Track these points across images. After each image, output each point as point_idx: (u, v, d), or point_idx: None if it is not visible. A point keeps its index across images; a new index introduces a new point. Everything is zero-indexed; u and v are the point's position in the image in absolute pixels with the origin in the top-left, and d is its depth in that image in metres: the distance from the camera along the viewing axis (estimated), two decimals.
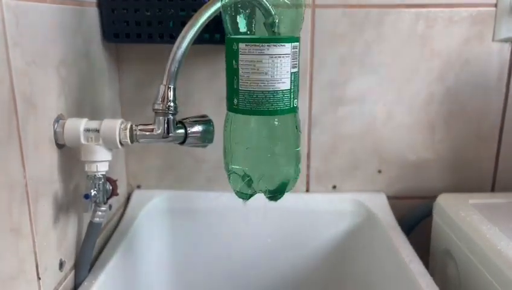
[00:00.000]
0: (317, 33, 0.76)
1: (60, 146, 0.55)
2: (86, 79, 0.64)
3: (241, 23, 0.52)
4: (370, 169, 0.83)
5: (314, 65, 0.78)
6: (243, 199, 0.55)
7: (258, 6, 0.64)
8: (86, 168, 0.54)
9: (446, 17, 0.75)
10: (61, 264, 0.55)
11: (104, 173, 0.55)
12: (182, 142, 0.57)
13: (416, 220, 0.82)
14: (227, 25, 0.52)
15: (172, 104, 0.53)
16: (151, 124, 0.54)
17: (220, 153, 0.82)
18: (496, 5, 0.75)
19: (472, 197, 0.73)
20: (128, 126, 0.54)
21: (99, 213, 0.58)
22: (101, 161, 0.54)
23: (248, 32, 0.52)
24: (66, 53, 0.57)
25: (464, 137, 0.81)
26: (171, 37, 0.69)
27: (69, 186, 0.57)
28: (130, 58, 0.78)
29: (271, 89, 0.49)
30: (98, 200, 0.55)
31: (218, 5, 0.55)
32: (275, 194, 0.55)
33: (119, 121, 0.54)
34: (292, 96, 0.51)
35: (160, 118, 0.54)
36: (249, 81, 0.49)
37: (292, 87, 0.50)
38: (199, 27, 0.54)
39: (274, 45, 0.49)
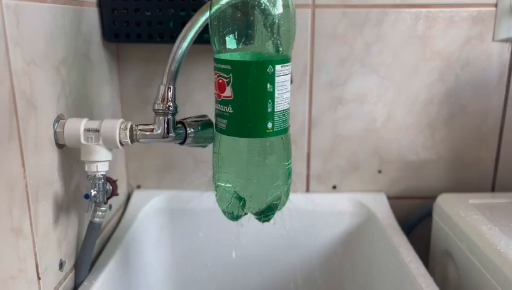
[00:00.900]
0: (317, 33, 0.76)
1: (60, 146, 0.55)
2: (86, 79, 0.64)
3: (231, 41, 0.50)
4: (370, 169, 0.83)
5: (314, 65, 0.78)
6: (231, 219, 0.55)
7: (257, 7, 0.64)
8: (86, 168, 0.54)
9: (446, 17, 0.75)
10: (61, 264, 0.55)
11: (104, 173, 0.55)
12: (182, 142, 0.57)
13: (416, 220, 0.82)
14: (218, 45, 0.50)
15: (172, 104, 0.53)
16: (151, 124, 0.54)
17: None
18: (496, 5, 0.75)
19: (472, 197, 0.73)
20: (128, 126, 0.54)
21: (99, 213, 0.58)
22: (101, 161, 0.54)
23: (241, 46, 0.51)
24: (66, 53, 0.57)
25: (464, 137, 0.81)
26: (171, 37, 0.69)
27: (69, 186, 0.57)
28: (130, 58, 0.78)
29: (289, 105, 0.50)
30: (98, 200, 0.55)
31: (218, 5, 0.55)
32: (266, 216, 0.55)
33: (119, 121, 0.54)
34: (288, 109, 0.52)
35: (160, 118, 0.54)
36: (282, 101, 0.49)
37: None
38: (199, 27, 0.54)
39: (290, 64, 0.50)
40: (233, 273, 0.84)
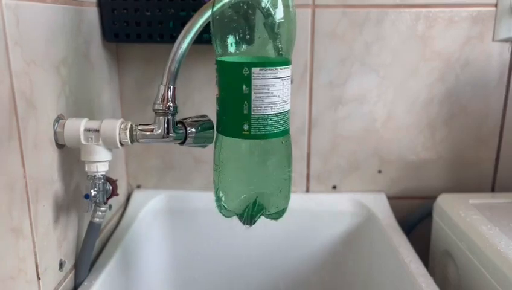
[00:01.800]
0: (317, 33, 0.76)
1: (60, 146, 0.55)
2: (86, 79, 0.64)
3: (242, 45, 0.51)
4: (370, 169, 0.83)
5: (314, 65, 0.78)
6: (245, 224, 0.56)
7: (257, 7, 0.64)
8: (86, 168, 0.54)
9: (446, 17, 0.75)
10: (61, 264, 0.55)
11: (104, 173, 0.55)
12: (182, 142, 0.57)
13: (416, 220, 0.82)
14: (228, 47, 0.50)
15: (172, 104, 0.53)
16: (151, 124, 0.54)
17: None
18: (496, 5, 0.75)
19: (472, 197, 0.73)
20: (128, 126, 0.54)
21: (99, 213, 0.58)
22: (101, 161, 0.54)
23: (249, 52, 0.51)
24: (66, 53, 0.57)
25: (464, 137, 0.81)
26: (171, 37, 0.69)
27: (69, 186, 0.57)
28: (130, 58, 0.78)
29: (281, 111, 0.49)
30: (98, 200, 0.55)
31: (219, 5, 0.55)
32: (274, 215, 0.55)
33: (119, 121, 0.54)
34: (288, 115, 0.51)
35: (160, 118, 0.54)
36: (262, 105, 0.48)
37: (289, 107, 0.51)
38: (199, 27, 0.54)
39: (283, 68, 0.49)
40: (233, 273, 0.84)
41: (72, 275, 0.59)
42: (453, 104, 0.79)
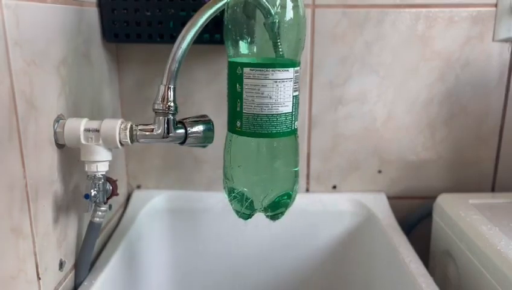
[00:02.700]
0: (317, 33, 0.76)
1: (60, 146, 0.55)
2: (86, 79, 0.64)
3: (243, 46, 0.52)
4: (370, 169, 0.83)
5: (314, 65, 0.78)
6: (243, 219, 0.56)
7: (258, 7, 0.64)
8: (86, 168, 0.54)
9: (446, 17, 0.75)
10: (61, 264, 0.55)
11: (104, 173, 0.55)
12: (182, 142, 0.57)
13: (416, 220, 0.82)
14: (229, 47, 0.52)
15: (172, 104, 0.53)
16: (151, 124, 0.54)
17: (219, 153, 0.82)
18: (496, 5, 0.75)
19: (472, 197, 0.73)
20: (128, 126, 0.54)
21: (99, 213, 0.58)
22: (101, 161, 0.54)
23: (249, 53, 0.52)
24: (66, 53, 0.57)
25: (464, 137, 0.81)
26: (171, 37, 0.69)
27: (69, 186, 0.57)
28: (130, 58, 0.78)
29: (274, 112, 0.50)
30: (98, 200, 0.55)
31: (219, 5, 0.55)
32: (275, 213, 0.55)
33: (119, 121, 0.54)
34: (293, 119, 0.51)
35: (160, 118, 0.54)
36: (253, 105, 0.49)
37: (293, 110, 0.51)
38: (199, 27, 0.54)
39: (278, 70, 0.49)
40: (233, 273, 0.84)
41: (72, 275, 0.59)
42: (453, 104, 0.79)
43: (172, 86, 0.53)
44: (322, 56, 0.77)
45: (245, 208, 0.54)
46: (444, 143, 0.81)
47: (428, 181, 0.83)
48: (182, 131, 0.56)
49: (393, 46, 0.77)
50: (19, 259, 0.46)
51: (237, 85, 0.49)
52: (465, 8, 0.75)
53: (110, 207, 0.73)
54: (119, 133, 0.53)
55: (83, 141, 0.53)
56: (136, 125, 0.55)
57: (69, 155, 0.57)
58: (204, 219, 0.82)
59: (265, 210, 0.55)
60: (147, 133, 0.54)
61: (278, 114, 0.50)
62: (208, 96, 0.79)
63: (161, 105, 0.53)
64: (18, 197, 0.46)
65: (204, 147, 0.60)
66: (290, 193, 0.54)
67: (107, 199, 0.57)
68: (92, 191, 0.54)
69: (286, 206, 0.55)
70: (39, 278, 0.50)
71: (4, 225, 0.44)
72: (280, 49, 0.66)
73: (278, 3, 0.51)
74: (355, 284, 0.81)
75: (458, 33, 0.76)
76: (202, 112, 0.62)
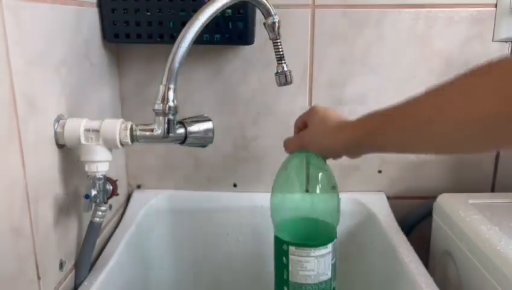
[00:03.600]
0: (317, 33, 0.76)
1: (60, 146, 0.55)
2: (86, 79, 0.64)
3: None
4: (370, 169, 0.83)
5: (314, 65, 0.78)
6: None
7: (258, 7, 0.64)
8: (86, 168, 0.54)
9: (446, 17, 0.75)
10: (61, 264, 0.55)
11: (104, 173, 0.55)
12: (182, 142, 0.57)
13: (416, 220, 0.82)
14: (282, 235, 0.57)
15: (172, 104, 0.53)
16: (151, 124, 0.54)
17: (219, 153, 0.82)
18: (496, 5, 0.75)
19: (472, 197, 0.73)
20: (129, 126, 0.54)
21: (100, 213, 0.58)
22: (101, 161, 0.54)
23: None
24: (66, 53, 0.57)
25: None
26: (171, 37, 0.69)
27: (69, 186, 0.57)
28: (130, 58, 0.78)
29: (316, 281, 0.54)
30: (98, 200, 0.55)
31: (219, 5, 0.55)
32: None
33: (119, 121, 0.54)
34: (332, 282, 0.56)
35: (160, 118, 0.54)
36: (297, 276, 0.54)
37: (332, 275, 0.56)
38: (199, 27, 0.54)
39: (319, 248, 0.54)
40: (233, 272, 0.84)
41: (72, 275, 0.59)
42: None
43: (172, 86, 0.53)
44: (322, 56, 0.77)
45: None
46: None
47: (428, 181, 0.83)
48: (182, 131, 0.56)
49: (393, 46, 0.77)
50: (19, 259, 0.46)
51: (283, 258, 0.55)
52: (465, 8, 0.75)
53: (110, 207, 0.73)
54: (120, 133, 0.53)
55: (83, 141, 0.53)
56: (136, 126, 0.55)
57: (69, 155, 0.57)
58: (204, 219, 0.82)
59: None
60: (147, 133, 0.54)
61: (319, 282, 0.55)
62: (208, 96, 0.79)
63: (161, 105, 0.53)
64: (18, 197, 0.46)
65: (204, 147, 0.60)
66: None
67: (107, 199, 0.57)
68: (92, 191, 0.54)
69: None
70: (39, 278, 0.50)
71: (4, 224, 0.44)
72: (280, 50, 0.66)
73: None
74: (355, 284, 0.81)
75: (458, 33, 0.76)
76: (202, 112, 0.62)
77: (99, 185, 0.55)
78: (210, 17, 0.54)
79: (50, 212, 0.53)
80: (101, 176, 0.55)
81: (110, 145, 0.54)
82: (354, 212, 0.81)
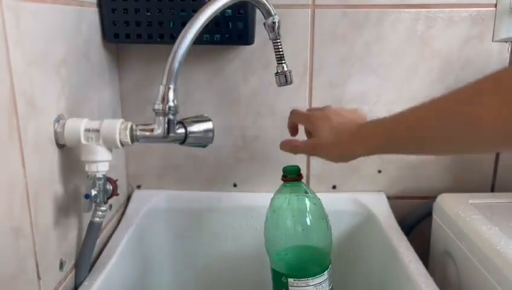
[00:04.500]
0: (317, 33, 0.76)
1: (60, 146, 0.55)
2: (86, 79, 0.64)
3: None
4: (370, 169, 0.83)
5: (314, 65, 0.78)
6: None
7: (258, 7, 0.64)
8: (86, 168, 0.54)
9: (446, 17, 0.75)
10: (61, 264, 0.56)
11: (104, 173, 0.55)
12: (182, 142, 0.57)
13: (416, 220, 0.82)
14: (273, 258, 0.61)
15: (172, 104, 0.53)
16: (151, 124, 0.54)
17: (220, 153, 0.82)
18: (495, 5, 0.75)
19: (472, 197, 0.73)
20: (129, 126, 0.54)
21: (100, 213, 0.58)
22: (101, 160, 0.54)
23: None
24: (66, 53, 0.57)
25: None
26: (171, 37, 0.69)
27: (69, 186, 0.57)
28: (130, 58, 0.78)
29: None
30: (98, 200, 0.55)
31: (219, 5, 0.55)
32: None
33: (119, 121, 0.54)
34: None
35: (160, 118, 0.54)
36: None
37: None
38: (199, 27, 0.54)
39: (317, 277, 0.57)
40: (233, 272, 0.84)
41: (72, 274, 0.59)
42: None
43: (172, 86, 0.53)
44: (322, 56, 0.77)
45: None
46: None
47: (428, 181, 0.83)
48: (182, 131, 0.56)
49: (393, 46, 0.77)
50: (19, 259, 0.46)
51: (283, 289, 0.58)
52: (465, 8, 0.75)
53: (110, 207, 0.73)
54: (120, 133, 0.53)
55: (83, 141, 0.53)
56: (136, 126, 0.55)
57: (70, 155, 0.57)
58: (204, 219, 0.82)
59: None
60: (147, 133, 0.54)
61: None
62: (208, 96, 0.79)
63: (161, 105, 0.53)
64: (18, 197, 0.46)
65: (204, 147, 0.60)
66: None
67: (107, 199, 0.57)
68: (92, 191, 0.54)
69: None
70: (39, 278, 0.50)
71: (4, 224, 0.44)
72: (280, 50, 0.67)
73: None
74: (355, 284, 0.81)
75: (458, 33, 0.76)
76: (202, 112, 0.62)
77: (99, 185, 0.55)
78: (210, 17, 0.54)
79: (50, 212, 0.53)
80: (101, 176, 0.55)
81: (110, 145, 0.54)
82: (354, 213, 0.81)
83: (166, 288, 0.83)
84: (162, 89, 0.53)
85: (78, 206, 0.60)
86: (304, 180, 0.83)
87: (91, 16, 0.66)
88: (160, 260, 0.82)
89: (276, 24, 0.64)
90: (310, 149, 0.60)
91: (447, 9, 0.75)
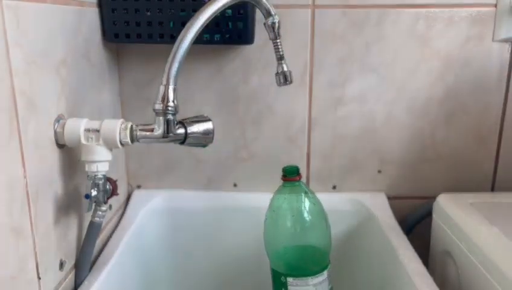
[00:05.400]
0: (317, 33, 0.76)
1: (60, 146, 0.55)
2: (86, 79, 0.64)
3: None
4: (370, 169, 0.83)
5: (314, 65, 0.78)
6: None
7: (258, 7, 0.64)
8: (86, 168, 0.54)
9: (446, 17, 0.75)
10: (61, 264, 0.56)
11: (104, 173, 0.55)
12: (182, 142, 0.57)
13: (416, 220, 0.82)
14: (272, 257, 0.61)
15: (172, 104, 0.53)
16: (151, 124, 0.54)
17: (220, 153, 0.82)
18: (495, 5, 0.75)
19: (472, 197, 0.73)
20: (129, 126, 0.54)
21: (100, 213, 0.58)
22: (101, 160, 0.54)
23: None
24: (66, 53, 0.57)
25: (463, 137, 0.81)
26: (171, 37, 0.69)
27: (69, 186, 0.57)
28: (130, 58, 0.78)
29: None
30: (98, 200, 0.55)
31: (219, 5, 0.55)
32: None
33: (119, 121, 0.54)
34: None
35: (160, 118, 0.54)
36: None
37: None
38: (199, 27, 0.54)
39: (316, 276, 0.57)
40: (233, 272, 0.84)
41: (72, 275, 0.59)
42: (452, 104, 0.79)
43: (172, 86, 0.53)
44: (322, 56, 0.77)
45: None
46: (444, 143, 0.81)
47: (428, 181, 0.83)
48: (181, 131, 0.56)
49: (393, 46, 0.77)
50: (19, 259, 0.46)
51: (282, 289, 0.58)
52: (465, 8, 0.75)
53: (110, 207, 0.73)
54: (120, 133, 0.53)
55: (83, 141, 0.53)
56: (136, 126, 0.55)
57: (70, 155, 0.57)
58: (204, 219, 0.82)
59: None
60: (147, 133, 0.54)
61: None
62: (208, 96, 0.79)
63: (161, 105, 0.53)
64: (18, 197, 0.46)
65: (204, 147, 0.60)
66: None
67: (107, 199, 0.57)
68: (92, 191, 0.54)
69: None
70: (39, 278, 0.50)
71: (4, 224, 0.44)
72: (280, 50, 0.67)
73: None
74: (355, 284, 0.81)
75: (458, 33, 0.76)
76: (202, 112, 0.62)
77: (99, 185, 0.55)
78: (210, 17, 0.54)
79: (50, 212, 0.53)
80: (101, 176, 0.55)
81: (110, 145, 0.54)
82: (354, 213, 0.81)
83: (166, 288, 0.83)
84: (162, 89, 0.53)
85: (78, 206, 0.60)
86: (304, 180, 0.84)
87: (91, 15, 0.66)
88: (160, 260, 0.82)
89: (276, 24, 0.64)
90: None
91: (447, 9, 0.75)
